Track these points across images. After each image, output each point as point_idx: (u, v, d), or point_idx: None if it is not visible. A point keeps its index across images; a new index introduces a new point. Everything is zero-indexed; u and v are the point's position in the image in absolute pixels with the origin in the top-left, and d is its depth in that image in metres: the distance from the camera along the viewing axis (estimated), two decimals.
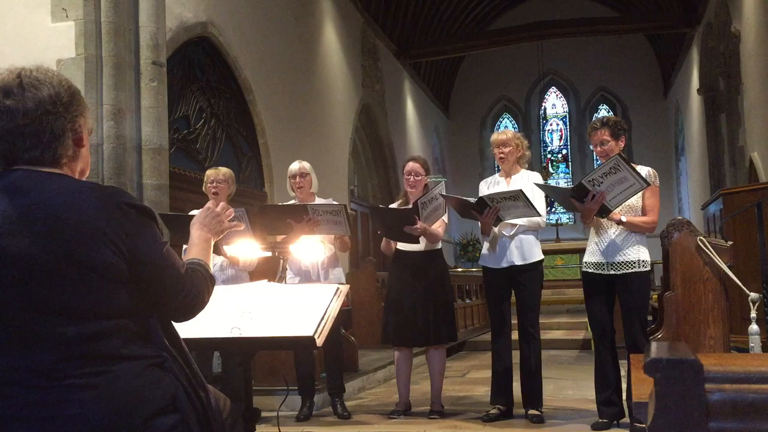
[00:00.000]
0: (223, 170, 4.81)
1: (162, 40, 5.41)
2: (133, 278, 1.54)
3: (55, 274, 1.45)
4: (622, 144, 4.05)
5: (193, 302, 1.67)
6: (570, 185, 4.27)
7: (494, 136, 4.58)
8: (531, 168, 4.72)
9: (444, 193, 4.46)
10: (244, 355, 2.45)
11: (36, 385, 1.44)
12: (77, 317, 1.47)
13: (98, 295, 1.48)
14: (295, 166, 4.87)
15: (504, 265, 4.39)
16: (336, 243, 4.81)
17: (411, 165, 4.71)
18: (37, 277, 1.45)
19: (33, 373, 1.44)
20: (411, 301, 4.58)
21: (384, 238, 4.75)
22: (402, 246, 4.65)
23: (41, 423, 1.43)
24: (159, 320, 1.65)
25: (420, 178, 4.66)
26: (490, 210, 4.22)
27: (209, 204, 2.00)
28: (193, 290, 1.66)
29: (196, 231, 1.91)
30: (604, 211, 3.89)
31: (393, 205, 4.89)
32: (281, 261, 4.98)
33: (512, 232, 4.39)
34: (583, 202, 3.85)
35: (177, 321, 1.71)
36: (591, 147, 4.18)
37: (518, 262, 4.37)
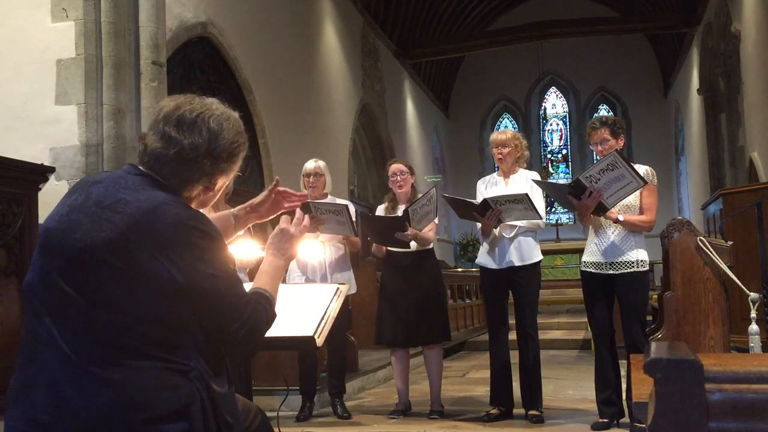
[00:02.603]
0: None
1: (162, 40, 5.40)
2: (186, 298, 1.56)
3: (107, 265, 1.53)
4: (621, 143, 4.05)
5: (247, 334, 1.65)
6: (570, 182, 4.26)
7: (494, 136, 4.58)
8: (529, 168, 4.73)
9: (434, 197, 4.46)
10: (244, 355, 2.45)
11: (63, 359, 1.50)
12: (110, 309, 1.52)
13: (137, 298, 1.52)
14: (310, 165, 4.77)
15: (503, 266, 4.39)
16: (345, 242, 4.79)
17: (395, 166, 4.75)
18: (90, 261, 1.53)
19: (64, 346, 1.51)
20: (404, 302, 4.58)
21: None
22: (393, 248, 4.65)
23: (55, 403, 1.48)
24: (205, 344, 1.62)
25: (406, 176, 4.67)
26: (492, 212, 4.22)
27: (283, 225, 1.91)
28: (249, 322, 1.65)
29: (269, 257, 1.88)
30: (602, 209, 3.88)
31: (381, 207, 4.88)
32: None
33: (512, 234, 4.39)
34: (580, 199, 3.85)
35: (232, 348, 1.70)
36: (591, 147, 4.18)
37: (517, 263, 4.37)
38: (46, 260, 1.59)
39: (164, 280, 1.53)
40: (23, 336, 1.60)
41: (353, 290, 4.69)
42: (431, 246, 4.72)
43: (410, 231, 4.36)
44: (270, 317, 1.73)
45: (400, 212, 4.52)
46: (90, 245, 1.54)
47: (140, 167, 1.68)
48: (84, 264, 1.54)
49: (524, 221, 4.34)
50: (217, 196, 1.81)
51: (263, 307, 1.71)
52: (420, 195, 4.52)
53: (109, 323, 1.51)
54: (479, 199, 4.45)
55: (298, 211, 1.96)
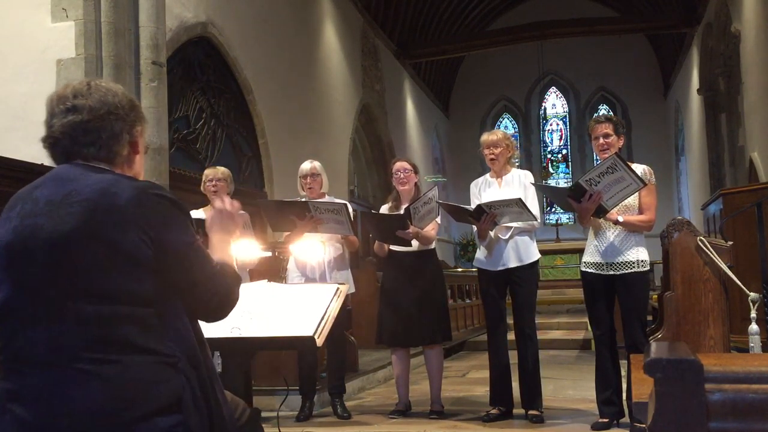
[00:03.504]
0: (222, 169, 4.83)
1: (162, 40, 5.40)
2: (161, 269, 1.57)
3: (82, 253, 1.52)
4: (621, 143, 4.06)
5: (224, 300, 1.70)
6: (569, 185, 4.26)
7: (484, 137, 4.59)
8: (522, 167, 4.73)
9: (437, 196, 4.46)
10: (244, 355, 2.45)
11: (51, 362, 1.50)
12: (97, 298, 1.52)
13: (120, 278, 1.53)
14: (306, 166, 4.77)
15: (500, 268, 4.39)
16: (343, 242, 4.79)
17: (398, 164, 4.74)
18: (66, 255, 1.53)
19: (50, 350, 1.50)
20: (405, 302, 4.57)
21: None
22: (395, 247, 4.65)
23: (45, 404, 1.48)
24: (188, 322, 1.64)
25: (409, 173, 4.67)
26: (487, 216, 4.23)
27: (217, 205, 1.97)
28: (222, 289, 1.69)
29: (213, 235, 1.92)
30: (601, 211, 3.89)
31: (384, 207, 4.89)
32: (282, 261, 4.98)
33: (508, 235, 4.39)
34: (580, 201, 3.85)
35: (208, 320, 1.72)
36: (591, 141, 4.17)
37: (514, 264, 4.37)
38: (17, 272, 1.56)
39: (141, 252, 1.54)
40: (3, 353, 1.56)
41: (351, 290, 4.69)
42: (433, 246, 4.72)
43: (411, 229, 4.36)
44: (237, 279, 1.76)
45: (402, 211, 4.52)
46: (60, 240, 1.53)
47: (70, 162, 1.68)
48: (60, 260, 1.53)
49: (519, 222, 4.35)
50: (142, 166, 1.80)
51: (229, 272, 1.74)
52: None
53: (97, 315, 1.50)
54: (473, 202, 4.46)
55: (220, 200, 1.99)
